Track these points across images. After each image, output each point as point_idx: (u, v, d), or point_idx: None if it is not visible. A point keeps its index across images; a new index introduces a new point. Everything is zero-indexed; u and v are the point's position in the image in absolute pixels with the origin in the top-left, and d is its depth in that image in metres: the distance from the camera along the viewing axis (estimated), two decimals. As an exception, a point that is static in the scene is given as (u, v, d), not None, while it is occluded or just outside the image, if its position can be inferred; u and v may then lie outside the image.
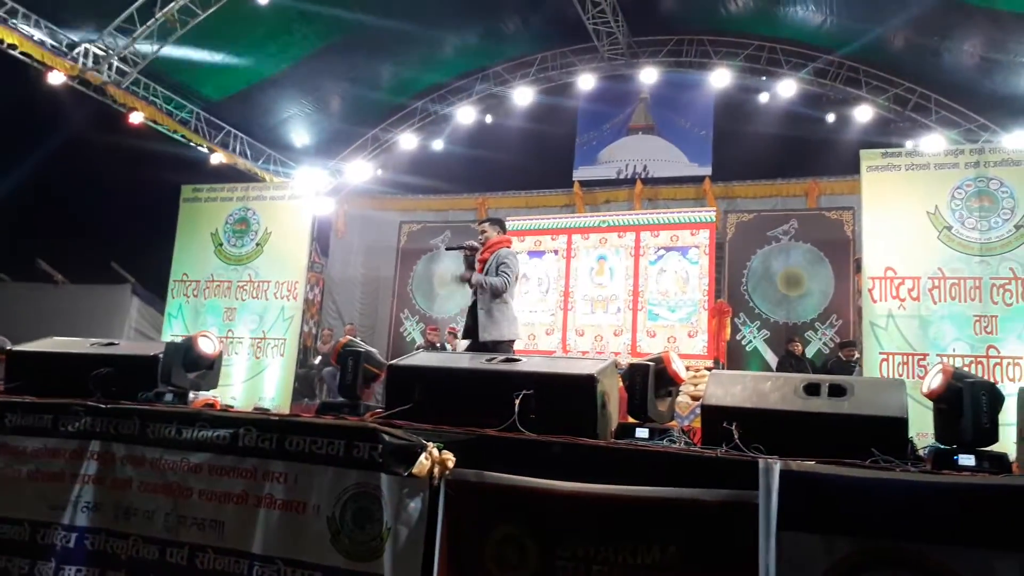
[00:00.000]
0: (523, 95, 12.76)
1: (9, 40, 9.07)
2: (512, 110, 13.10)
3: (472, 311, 5.21)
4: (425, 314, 12.50)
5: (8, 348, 3.75)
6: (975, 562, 1.93)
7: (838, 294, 10.21)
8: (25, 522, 3.04)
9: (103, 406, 3.11)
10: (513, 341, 5.17)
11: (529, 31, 12.13)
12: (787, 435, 2.41)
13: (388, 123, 13.59)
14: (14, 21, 9.15)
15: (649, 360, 2.88)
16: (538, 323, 11.68)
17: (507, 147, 12.89)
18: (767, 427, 2.45)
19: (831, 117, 11.64)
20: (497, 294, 5.08)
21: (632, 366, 2.81)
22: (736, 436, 2.37)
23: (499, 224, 5.48)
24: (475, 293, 5.21)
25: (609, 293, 11.38)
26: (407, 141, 13.54)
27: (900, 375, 6.38)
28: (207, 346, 3.54)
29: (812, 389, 2.54)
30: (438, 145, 13.60)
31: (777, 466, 2.13)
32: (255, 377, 9.37)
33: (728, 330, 10.39)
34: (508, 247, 5.35)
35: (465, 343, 5.49)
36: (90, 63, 9.93)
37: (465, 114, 13.17)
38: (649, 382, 2.75)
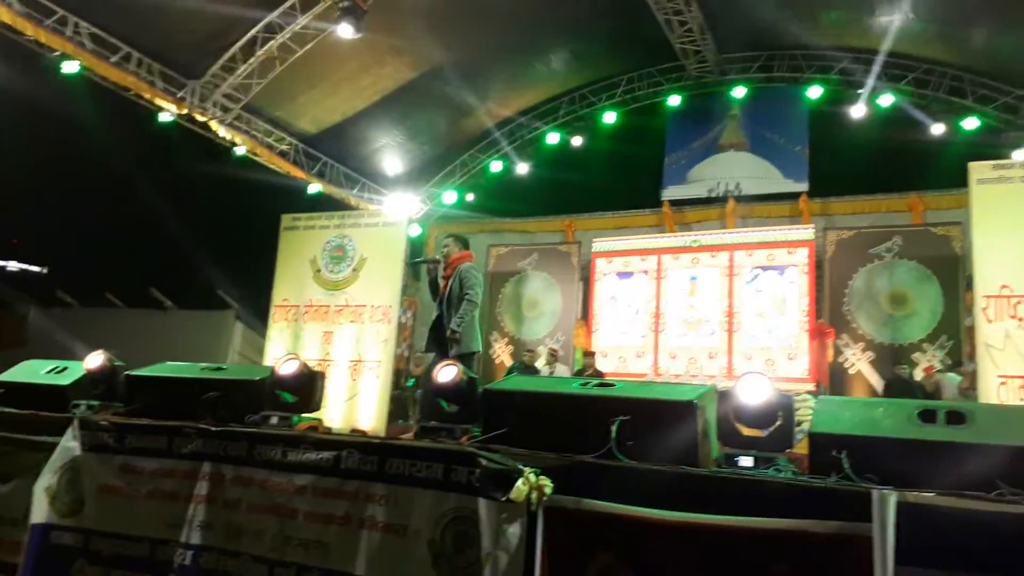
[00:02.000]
0: (609, 116, 12.75)
1: (123, 83, 9.71)
2: (598, 131, 13.10)
3: (438, 326, 5.43)
4: (514, 336, 12.56)
5: (126, 373, 3.96)
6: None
7: (948, 313, 9.68)
8: (145, 539, 3.19)
9: (213, 428, 3.24)
10: (477, 353, 5.48)
11: (615, 52, 12.13)
12: (901, 465, 2.29)
13: (476, 149, 13.81)
14: (127, 65, 9.79)
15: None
16: (628, 345, 11.56)
17: (594, 168, 12.88)
18: (879, 456, 2.33)
19: (934, 128, 11.12)
20: (468, 304, 5.35)
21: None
22: (846, 465, 2.27)
23: (461, 240, 5.72)
24: (440, 307, 5.46)
25: (702, 314, 11.16)
26: (495, 165, 13.72)
27: (1021, 400, 5.99)
28: (288, 368, 3.62)
29: (928, 416, 2.41)
30: (525, 168, 13.72)
31: (893, 497, 2.02)
32: (352, 399, 9.61)
33: (830, 352, 9.99)
34: (469, 262, 5.58)
35: (563, 368, 5.65)
36: (196, 101, 10.51)
37: (552, 137, 13.24)
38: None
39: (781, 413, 2.63)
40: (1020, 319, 6.28)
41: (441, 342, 5.36)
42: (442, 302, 5.44)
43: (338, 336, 9.90)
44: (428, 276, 5.54)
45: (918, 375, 9.39)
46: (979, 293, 6.53)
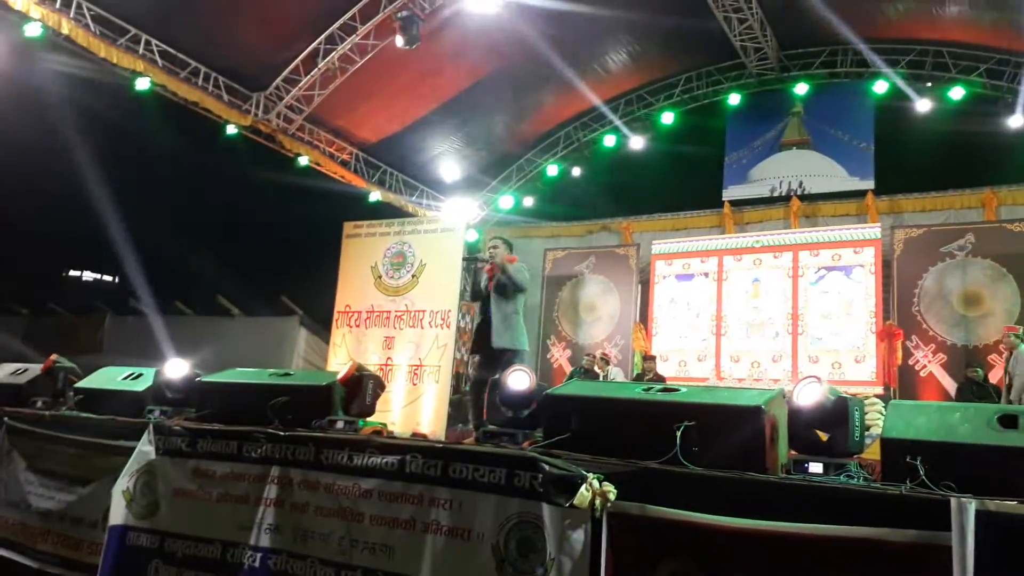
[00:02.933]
0: (668, 116, 12.61)
1: (192, 98, 10.04)
2: (657, 132, 12.97)
3: (484, 326, 5.41)
4: (571, 340, 12.52)
5: (198, 379, 4.09)
6: None
7: (1026, 314, 9.28)
8: (217, 541, 3.29)
9: (281, 433, 3.31)
10: (526, 352, 5.41)
11: (673, 51, 12.00)
12: (980, 472, 2.21)
13: (533, 153, 13.83)
14: (195, 80, 10.12)
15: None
16: (689, 349, 11.41)
17: (652, 169, 12.76)
18: (956, 463, 2.25)
19: (1008, 121, 10.66)
20: (517, 291, 5.37)
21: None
22: (922, 472, 2.19)
23: (508, 243, 5.68)
24: (484, 307, 5.46)
25: (765, 316, 10.94)
26: (551, 169, 13.71)
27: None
28: (349, 371, 3.69)
29: (1008, 421, 2.31)
30: (582, 171, 13.67)
31: (972, 505, 1.95)
32: (412, 403, 9.72)
33: (899, 354, 9.68)
34: (515, 264, 5.56)
35: (618, 371, 5.57)
36: (261, 113, 10.79)
37: (609, 139, 13.17)
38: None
39: (846, 415, 2.56)
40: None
41: (487, 344, 5.35)
42: (487, 303, 5.45)
43: (399, 341, 10.02)
44: (475, 277, 5.57)
45: (993, 378, 9.01)
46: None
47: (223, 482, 3.38)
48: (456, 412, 10.53)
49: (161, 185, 12.29)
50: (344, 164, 12.12)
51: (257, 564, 3.13)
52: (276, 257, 12.95)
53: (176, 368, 4.11)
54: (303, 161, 11.40)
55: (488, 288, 5.53)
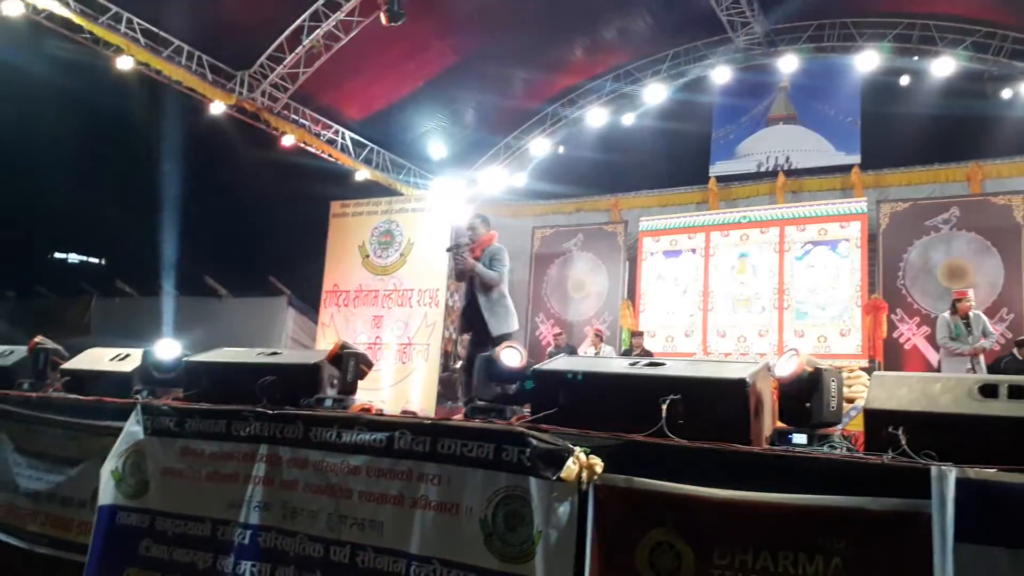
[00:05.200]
0: (655, 92, 12.55)
1: (175, 76, 9.91)
2: (644, 108, 12.92)
3: (471, 309, 5.43)
4: (560, 318, 12.55)
5: (186, 358, 4.08)
6: None
7: (1008, 286, 9.36)
8: (206, 519, 3.30)
9: (270, 412, 3.32)
10: (515, 333, 5.42)
11: (659, 27, 11.92)
12: (961, 441, 2.24)
13: (520, 130, 13.75)
14: (178, 58, 9.99)
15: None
16: (676, 324, 11.46)
17: (639, 146, 12.71)
18: (938, 432, 2.28)
19: (994, 95, 10.67)
20: (492, 286, 5.36)
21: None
22: (903, 441, 2.22)
23: (486, 221, 5.66)
24: (472, 291, 5.46)
25: (752, 292, 11.00)
26: (539, 146, 13.66)
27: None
28: (337, 349, 3.69)
29: (989, 391, 2.35)
30: (570, 148, 13.61)
31: (953, 473, 1.98)
32: (402, 381, 9.75)
33: (884, 328, 9.77)
34: (495, 241, 5.55)
35: (610, 349, 5.59)
36: (245, 91, 10.68)
37: (596, 116, 13.11)
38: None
39: (830, 388, 2.59)
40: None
41: (475, 323, 5.38)
42: (472, 284, 5.47)
43: (387, 320, 10.05)
44: (457, 260, 5.56)
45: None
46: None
47: (212, 461, 3.39)
48: (446, 390, 10.57)
49: (147, 166, 12.16)
50: (330, 143, 12.02)
51: (247, 541, 3.15)
52: (264, 237, 12.88)
53: (166, 348, 4.10)
54: (289, 140, 11.30)
55: (469, 269, 5.52)
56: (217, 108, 10.49)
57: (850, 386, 8.43)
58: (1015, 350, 8.21)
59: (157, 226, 12.44)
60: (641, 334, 10.60)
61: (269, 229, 12.40)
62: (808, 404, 2.66)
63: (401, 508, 2.88)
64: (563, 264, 12.77)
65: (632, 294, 12.12)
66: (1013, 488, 1.95)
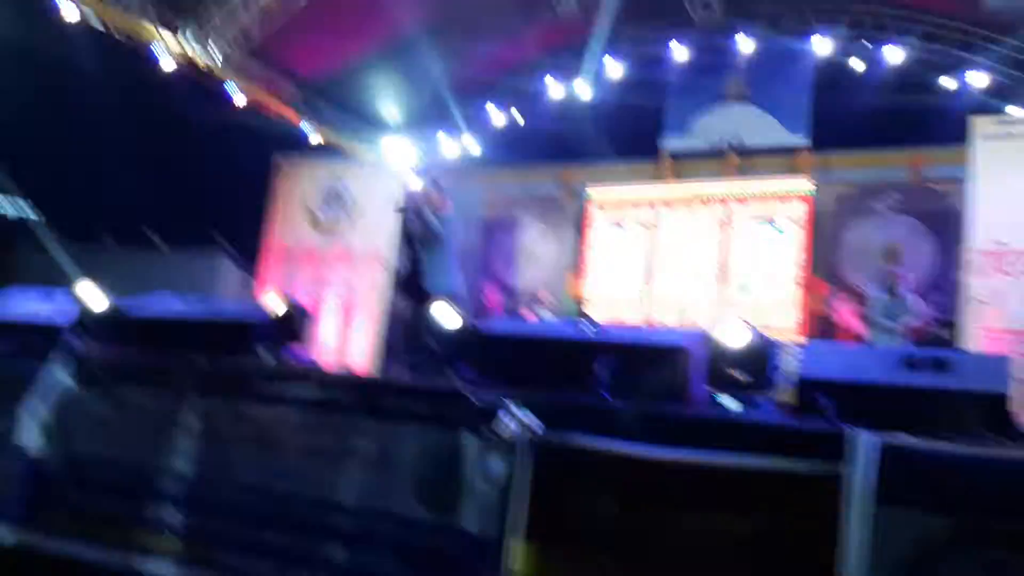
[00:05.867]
0: (611, 67, 12.52)
1: (123, 26, 9.51)
2: (600, 81, 12.88)
3: (415, 272, 5.47)
4: (507, 285, 12.55)
5: (117, 306, 3.96)
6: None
7: (940, 269, 9.68)
8: (134, 469, 3.23)
9: (202, 361, 3.25)
10: (458, 294, 5.40)
11: (619, 4, 11.86)
12: (885, 409, 2.32)
13: (475, 97, 13.60)
14: (128, 8, 9.56)
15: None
16: (620, 296, 11.57)
17: (593, 118, 12.68)
18: (864, 401, 2.36)
19: (939, 83, 10.94)
20: (440, 250, 5.41)
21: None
22: (831, 408, 2.29)
23: (439, 185, 5.73)
24: (418, 254, 5.47)
25: (696, 266, 11.16)
26: (493, 114, 13.53)
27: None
28: (279, 304, 3.64)
29: (913, 363, 2.43)
30: (524, 116, 13.52)
31: (873, 439, 2.04)
32: (344, 342, 9.67)
33: (821, 306, 10.03)
34: (446, 207, 5.61)
35: (548, 315, 5.66)
36: (195, 45, 10.29)
37: (552, 86, 13.03)
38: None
39: (765, 357, 2.65)
40: (1009, 274, 6.31)
41: (418, 286, 5.37)
42: (419, 247, 5.46)
43: (331, 280, 9.91)
44: (406, 221, 5.54)
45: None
46: (972, 248, 6.55)
47: (141, 410, 3.31)
48: (388, 351, 10.51)
49: (88, 115, 11.68)
50: (281, 100, 11.70)
51: (174, 489, 3.10)
52: (207, 192, 12.52)
53: (87, 291, 3.97)
54: (238, 96, 10.96)
55: (417, 233, 5.51)
56: (165, 60, 10.10)
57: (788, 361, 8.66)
58: (941, 330, 8.52)
59: (95, 175, 12.01)
60: (586, 304, 10.68)
61: (213, 184, 12.06)
62: (749, 372, 2.72)
63: (334, 460, 2.86)
64: (512, 232, 12.74)
65: (579, 264, 12.19)
66: (929, 454, 2.02)
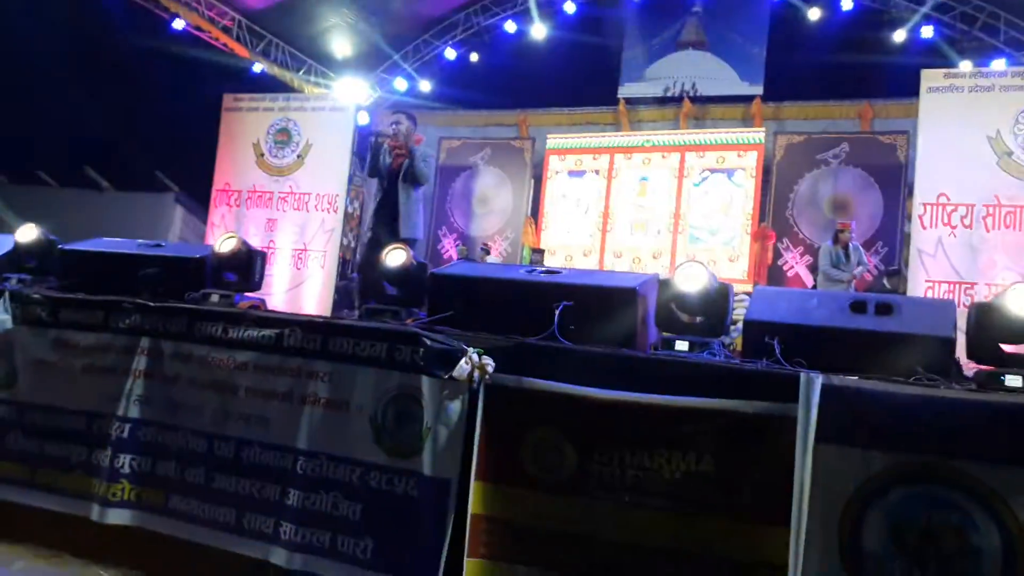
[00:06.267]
0: (569, 5, 12.32)
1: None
2: (558, 23, 12.68)
3: (386, 208, 5.27)
4: (462, 231, 12.50)
5: (60, 247, 3.84)
6: (1011, 478, 1.92)
7: (886, 220, 9.94)
8: (81, 413, 3.17)
9: (152, 304, 3.18)
10: (420, 241, 5.50)
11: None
12: (831, 352, 2.39)
13: (430, 35, 13.29)
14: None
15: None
16: (575, 244, 11.63)
17: (551, 62, 12.51)
18: (811, 344, 2.43)
19: (890, 36, 11.05)
20: (419, 185, 5.27)
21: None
22: (778, 351, 2.35)
23: (413, 119, 5.51)
24: (389, 188, 5.27)
25: (650, 215, 11.24)
26: (449, 54, 13.26)
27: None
28: (232, 247, 3.57)
29: (859, 307, 2.50)
30: (480, 58, 13.28)
31: (818, 380, 2.11)
32: (296, 288, 9.54)
33: (770, 255, 10.23)
34: (422, 142, 5.45)
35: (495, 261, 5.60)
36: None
37: (509, 24, 12.79)
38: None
39: (717, 300, 2.70)
40: (953, 227, 6.50)
41: (385, 223, 5.24)
42: (393, 180, 5.29)
43: (282, 224, 9.73)
44: (372, 149, 5.34)
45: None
46: (917, 200, 6.71)
47: (88, 353, 3.24)
48: (342, 298, 10.43)
49: (20, 46, 11.08)
50: (226, 31, 11.27)
51: (125, 435, 3.05)
52: (150, 129, 12.04)
53: (25, 232, 3.83)
54: (179, 24, 10.52)
55: (393, 167, 5.32)
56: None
57: (735, 309, 8.85)
58: (884, 279, 8.79)
59: (32, 111, 11.46)
60: (542, 252, 10.72)
61: (156, 120, 11.62)
62: (703, 316, 2.76)
63: (289, 404, 2.85)
64: (469, 177, 12.63)
65: (536, 212, 12.17)
66: (871, 394, 2.10)
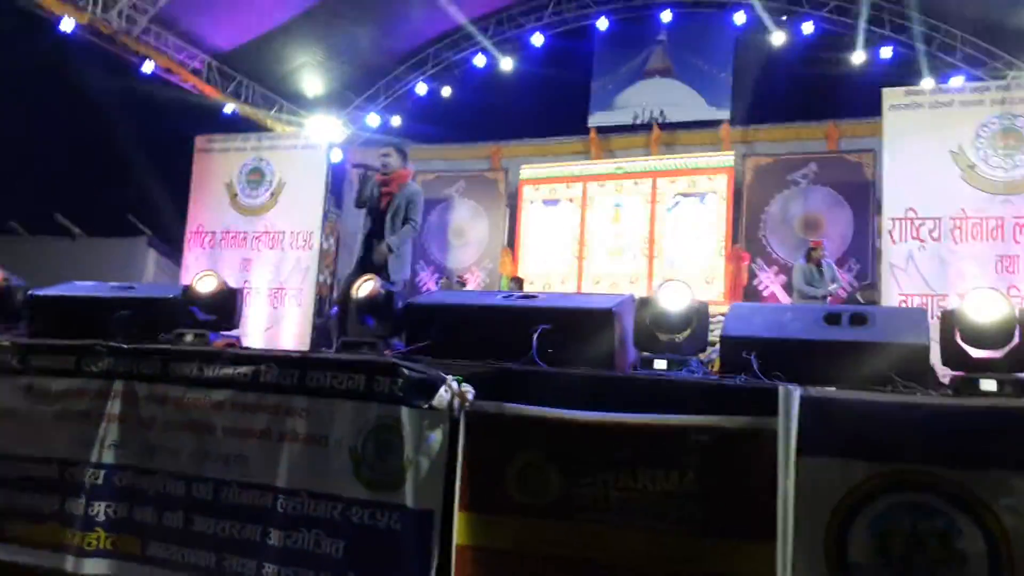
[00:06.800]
0: (537, 38, 12.52)
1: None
2: (526, 55, 12.87)
3: (373, 243, 5.15)
4: (440, 264, 12.51)
5: (30, 292, 3.79)
6: (992, 482, 1.93)
7: (857, 237, 10.09)
8: (54, 461, 3.09)
9: (124, 346, 3.13)
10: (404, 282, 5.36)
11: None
12: (808, 364, 2.40)
13: (400, 71, 13.42)
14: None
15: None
16: (553, 272, 11.68)
17: (521, 94, 12.69)
18: (787, 357, 2.44)
19: (852, 57, 11.32)
20: (408, 221, 5.16)
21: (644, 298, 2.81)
22: (755, 365, 2.36)
23: (403, 153, 5.42)
24: (375, 222, 5.17)
25: (625, 241, 11.34)
26: (420, 89, 13.38)
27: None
28: (208, 285, 3.54)
29: (833, 318, 2.53)
30: (452, 93, 13.41)
31: (797, 392, 2.12)
32: (273, 327, 9.46)
33: (745, 276, 10.33)
34: (412, 179, 5.33)
35: None
36: (99, 11, 9.82)
37: (479, 59, 12.95)
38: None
39: (696, 318, 2.71)
40: (923, 241, 6.59)
41: (372, 260, 5.11)
42: (380, 217, 5.21)
43: (257, 263, 9.66)
44: (363, 185, 5.26)
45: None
46: (886, 215, 6.81)
47: (60, 399, 3.16)
48: (320, 336, 10.34)
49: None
50: (196, 73, 11.29)
51: (100, 481, 2.98)
52: (121, 173, 11.98)
53: (-4, 280, 3.78)
54: (149, 67, 10.52)
55: (381, 202, 5.24)
56: (68, 26, 9.59)
57: (713, 331, 8.89)
58: (858, 294, 8.89)
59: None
60: (521, 281, 10.74)
61: (128, 164, 11.56)
62: (681, 333, 2.77)
63: (268, 442, 2.79)
64: (444, 210, 12.68)
65: (512, 242, 12.22)
66: (849, 404, 2.11)
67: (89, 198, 11.78)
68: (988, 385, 2.27)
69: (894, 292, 6.58)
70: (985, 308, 2.35)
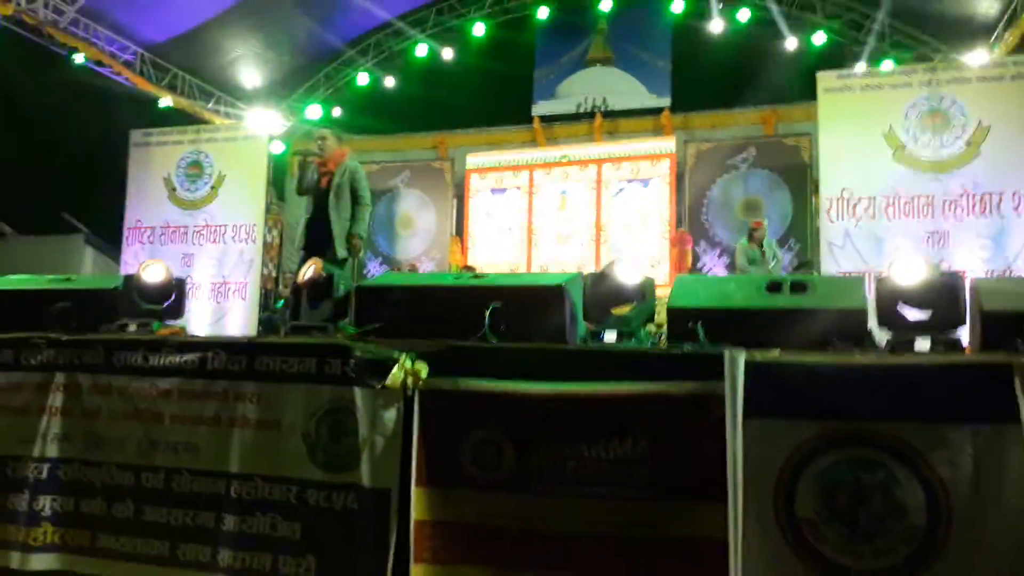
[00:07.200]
0: (479, 28, 12.50)
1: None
2: (468, 44, 12.84)
3: (318, 227, 5.16)
4: (388, 255, 12.43)
5: (-39, 287, 3.65)
6: (928, 434, 2.02)
7: (796, 218, 10.38)
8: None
9: (64, 338, 3.05)
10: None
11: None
12: (752, 332, 2.47)
13: (340, 61, 13.25)
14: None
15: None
16: (502, 260, 11.71)
17: (465, 83, 12.65)
18: (732, 325, 2.51)
19: (787, 44, 11.58)
20: (358, 203, 5.19)
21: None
22: (701, 333, 2.42)
23: (338, 136, 5.57)
24: (319, 206, 5.17)
25: (572, 228, 11.43)
26: (361, 79, 13.23)
27: (857, 291, 6.55)
28: (153, 275, 3.47)
29: (774, 287, 2.60)
30: (394, 82, 13.30)
31: (742, 356, 2.18)
32: (218, 322, 9.29)
33: (689, 258, 10.53)
34: (349, 157, 5.36)
35: None
36: (24, 2, 9.46)
37: (420, 49, 12.87)
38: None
39: (646, 292, 2.76)
40: (858, 218, 6.81)
41: (320, 242, 5.10)
42: (323, 198, 5.17)
43: (199, 258, 9.47)
44: (301, 169, 5.24)
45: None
46: (823, 196, 7.02)
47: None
48: (267, 330, 10.18)
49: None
50: (128, 65, 10.97)
51: (44, 476, 2.90)
52: (54, 169, 11.60)
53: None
54: (79, 59, 10.18)
55: (321, 185, 5.21)
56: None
57: (659, 313, 9.04)
58: (798, 271, 9.16)
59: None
60: (471, 269, 10.73)
61: (61, 160, 11.19)
62: (632, 306, 2.83)
63: (218, 428, 2.76)
64: (390, 201, 12.59)
65: (461, 231, 12.21)
66: (792, 367, 2.18)
67: (21, 195, 11.38)
68: (922, 344, 2.37)
69: (833, 269, 6.79)
70: (910, 272, 2.50)
